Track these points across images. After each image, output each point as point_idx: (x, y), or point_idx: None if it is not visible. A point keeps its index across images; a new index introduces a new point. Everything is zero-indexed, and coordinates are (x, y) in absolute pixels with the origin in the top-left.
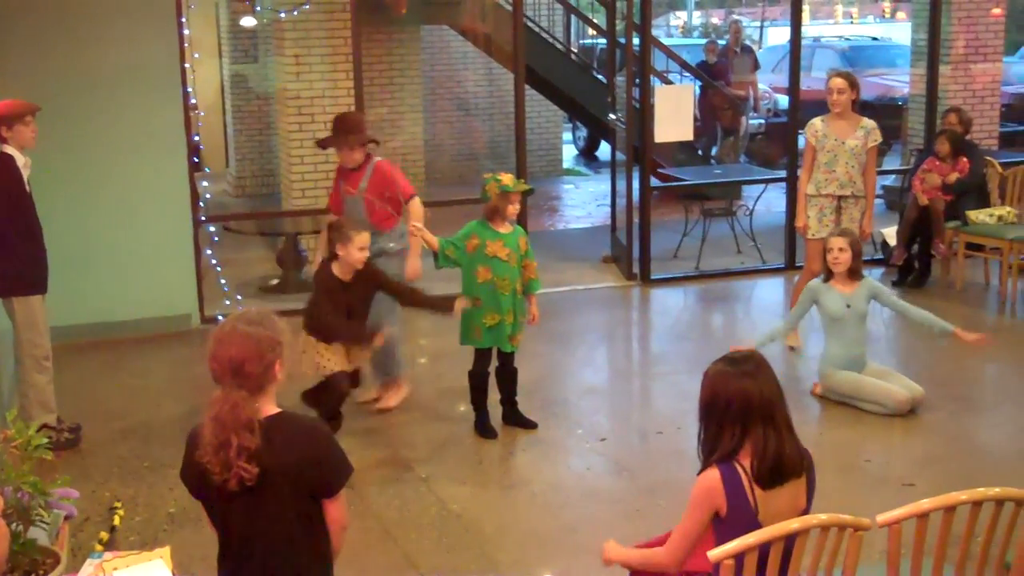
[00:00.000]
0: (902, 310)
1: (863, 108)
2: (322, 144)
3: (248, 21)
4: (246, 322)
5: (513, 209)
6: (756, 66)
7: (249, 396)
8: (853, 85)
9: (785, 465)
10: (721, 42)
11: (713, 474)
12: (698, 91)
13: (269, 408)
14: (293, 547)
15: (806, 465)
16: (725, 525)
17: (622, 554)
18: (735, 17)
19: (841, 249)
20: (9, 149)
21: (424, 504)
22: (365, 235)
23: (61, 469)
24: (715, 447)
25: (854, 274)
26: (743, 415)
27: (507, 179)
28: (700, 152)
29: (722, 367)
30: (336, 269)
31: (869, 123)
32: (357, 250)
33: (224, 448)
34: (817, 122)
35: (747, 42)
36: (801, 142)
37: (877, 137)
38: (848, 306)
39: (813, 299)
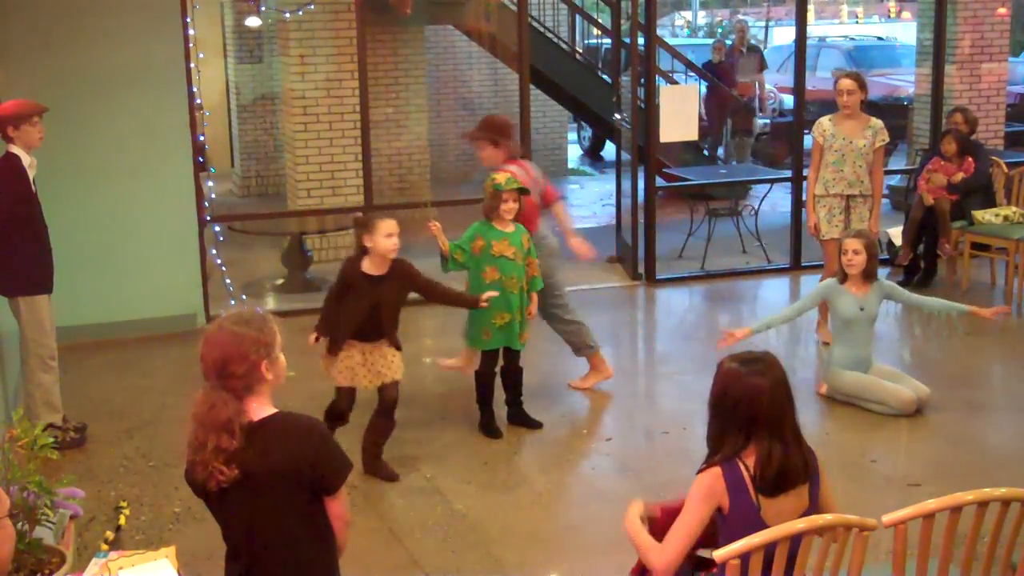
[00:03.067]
0: (918, 303)
1: (868, 108)
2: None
3: (253, 21)
4: (235, 321)
5: (507, 208)
6: (763, 66)
7: (231, 397)
8: (862, 86)
9: (789, 476)
10: (727, 42)
11: (715, 471)
12: (703, 91)
13: (263, 409)
14: (298, 546)
15: (811, 470)
16: (728, 522)
17: (633, 528)
18: (740, 17)
19: (856, 251)
20: (15, 149)
21: (429, 504)
22: (391, 222)
23: (67, 468)
24: (718, 448)
25: (868, 276)
26: (749, 419)
27: (501, 178)
28: (706, 152)
29: (735, 365)
30: (366, 264)
31: (877, 123)
32: (384, 237)
33: (202, 448)
34: (825, 121)
35: (753, 42)
36: (808, 142)
37: (885, 137)
38: (861, 308)
39: (824, 298)
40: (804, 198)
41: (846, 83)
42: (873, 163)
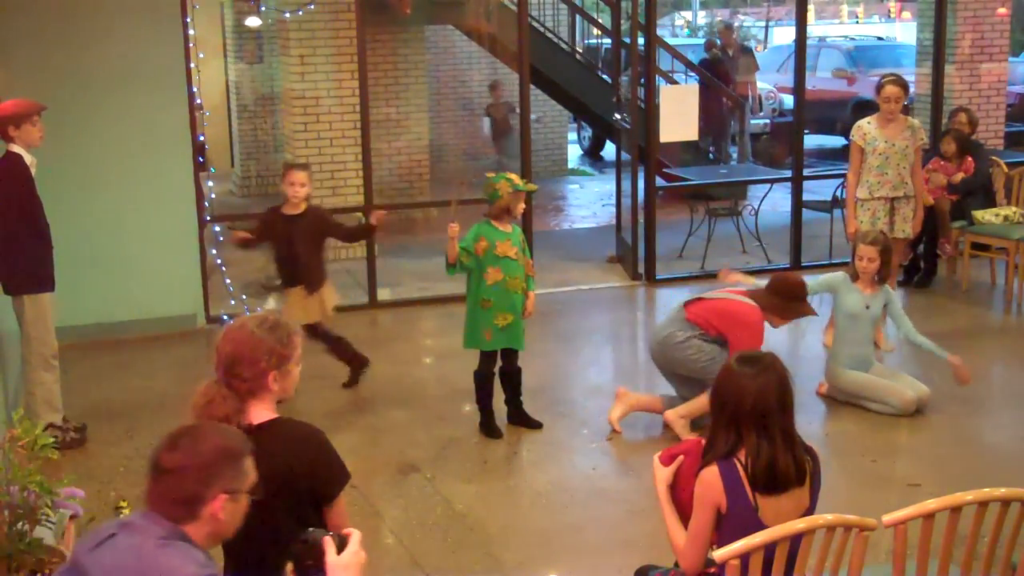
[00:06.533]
0: (905, 329)
1: (866, 107)
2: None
3: (253, 21)
4: (259, 324)
5: (521, 208)
6: (755, 67)
7: (232, 395)
8: (907, 90)
9: (779, 477)
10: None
11: (712, 471)
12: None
13: (264, 413)
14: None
15: (810, 472)
16: (726, 522)
17: (663, 500)
18: (719, 19)
19: (871, 259)
20: (16, 148)
21: (429, 504)
22: (300, 173)
23: (67, 468)
24: (712, 445)
25: (880, 279)
26: (736, 417)
27: (516, 178)
28: (712, 153)
29: (733, 363)
30: (285, 207)
31: (915, 122)
32: (288, 184)
33: None
34: (864, 124)
35: (751, 43)
36: (808, 142)
37: (922, 137)
38: (867, 307)
39: (831, 287)
40: (839, 199)
41: (893, 91)
42: (913, 164)
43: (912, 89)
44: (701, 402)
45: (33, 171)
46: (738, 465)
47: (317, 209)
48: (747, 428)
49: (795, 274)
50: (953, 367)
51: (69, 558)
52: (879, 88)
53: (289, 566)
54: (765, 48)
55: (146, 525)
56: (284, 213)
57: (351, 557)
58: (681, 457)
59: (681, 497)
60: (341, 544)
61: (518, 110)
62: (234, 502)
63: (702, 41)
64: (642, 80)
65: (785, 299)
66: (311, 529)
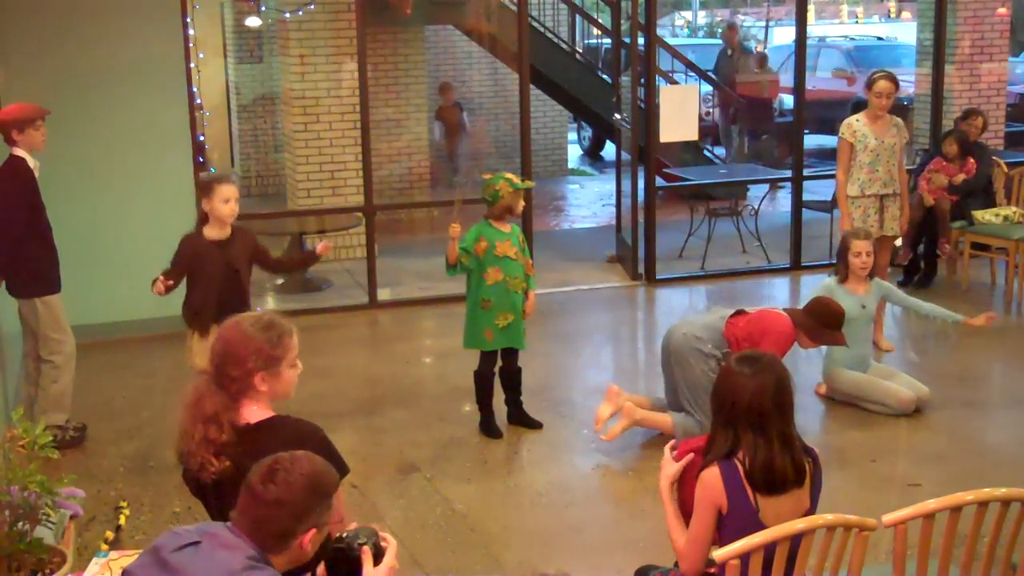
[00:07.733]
0: (914, 307)
1: (864, 107)
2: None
3: (253, 21)
4: (252, 323)
5: (521, 205)
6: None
7: (220, 392)
8: (898, 86)
9: (776, 477)
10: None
11: (713, 471)
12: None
13: (259, 412)
14: None
15: (810, 473)
16: (727, 523)
17: (665, 497)
18: (721, 19)
19: (869, 253)
20: (19, 152)
21: (429, 504)
22: (230, 187)
23: (67, 468)
24: (713, 445)
25: (870, 276)
26: (732, 416)
27: (514, 177)
28: (730, 151)
29: (731, 362)
30: (208, 231)
31: (899, 120)
32: (221, 202)
33: (190, 438)
34: (853, 122)
35: (750, 43)
36: (808, 142)
37: (906, 135)
38: (863, 307)
39: None
40: (831, 198)
41: (887, 86)
42: (899, 162)
43: (912, 89)
44: (659, 419)
45: (36, 174)
46: (739, 466)
47: (244, 230)
48: (744, 428)
49: (836, 302)
50: (974, 325)
51: (150, 552)
52: (870, 83)
53: (321, 567)
54: (765, 48)
55: (235, 542)
56: (212, 239)
57: (387, 572)
58: (691, 455)
59: (684, 495)
60: (377, 553)
61: (466, 114)
62: (319, 534)
63: (702, 41)
64: (642, 80)
65: (819, 323)
66: (346, 533)
